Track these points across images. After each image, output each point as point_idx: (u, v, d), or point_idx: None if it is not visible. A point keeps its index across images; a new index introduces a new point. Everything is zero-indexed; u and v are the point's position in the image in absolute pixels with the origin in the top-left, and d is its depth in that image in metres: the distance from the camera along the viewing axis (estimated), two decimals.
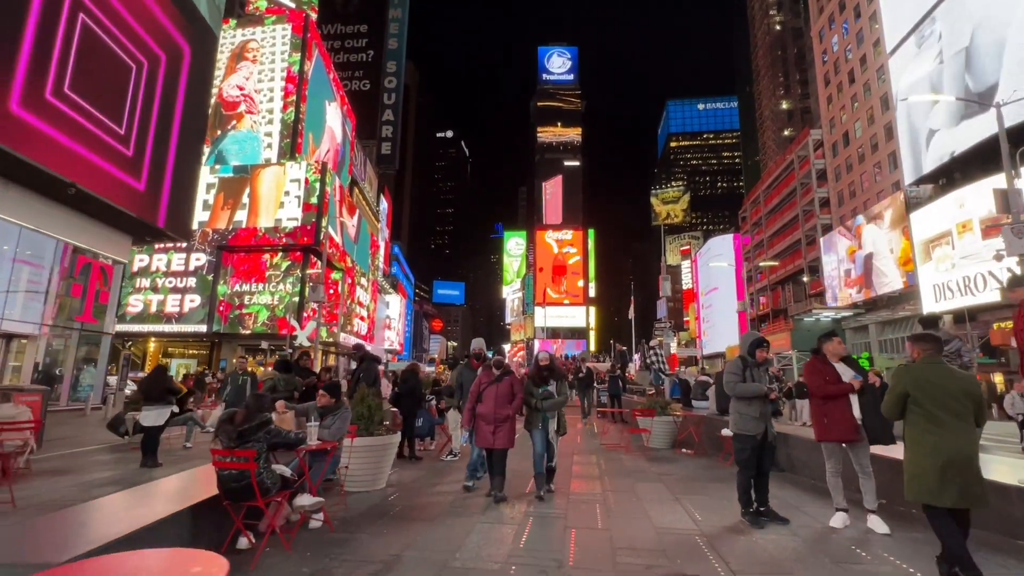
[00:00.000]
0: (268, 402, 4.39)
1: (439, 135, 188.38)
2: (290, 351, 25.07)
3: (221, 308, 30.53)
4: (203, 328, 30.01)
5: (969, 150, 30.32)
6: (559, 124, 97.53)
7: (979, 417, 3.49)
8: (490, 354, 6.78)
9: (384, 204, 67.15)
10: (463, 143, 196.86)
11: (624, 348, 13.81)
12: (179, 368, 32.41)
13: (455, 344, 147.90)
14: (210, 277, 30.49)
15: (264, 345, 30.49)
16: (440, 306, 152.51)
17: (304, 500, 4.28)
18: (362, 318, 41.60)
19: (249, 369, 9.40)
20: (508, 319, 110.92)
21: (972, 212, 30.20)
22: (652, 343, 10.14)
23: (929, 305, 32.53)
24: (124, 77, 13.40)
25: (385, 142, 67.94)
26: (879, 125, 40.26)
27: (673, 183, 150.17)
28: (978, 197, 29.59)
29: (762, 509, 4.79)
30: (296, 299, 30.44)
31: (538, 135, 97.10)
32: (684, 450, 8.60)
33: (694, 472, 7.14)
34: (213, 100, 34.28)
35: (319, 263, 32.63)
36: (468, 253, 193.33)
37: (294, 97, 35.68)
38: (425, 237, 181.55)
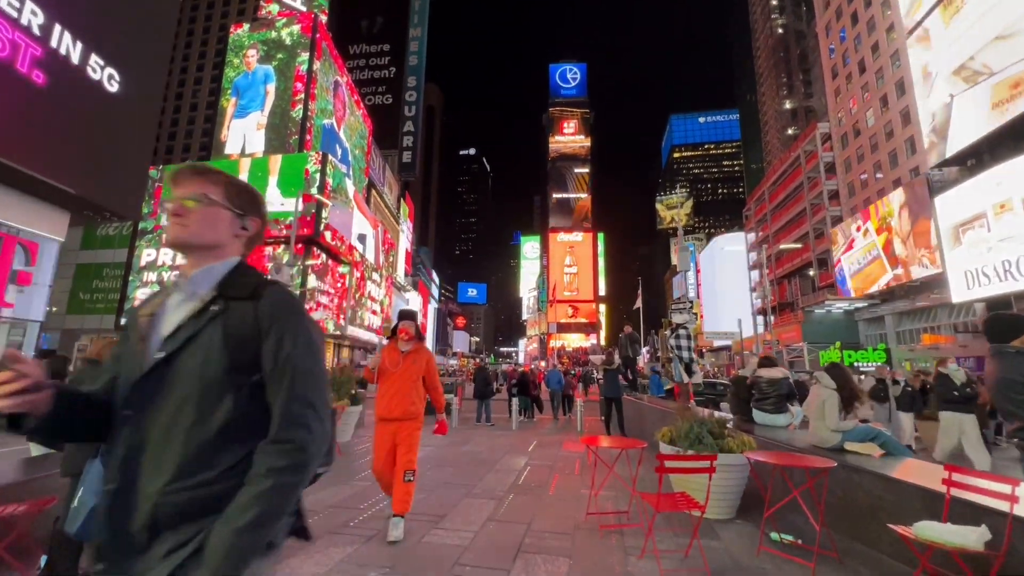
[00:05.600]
0: None
1: (462, 152, 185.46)
2: None
3: None
4: None
5: (1002, 127, 24.71)
6: (569, 135, 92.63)
7: None
8: None
9: (405, 208, 63.48)
10: (484, 159, 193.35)
11: (630, 331, 9.06)
12: None
13: (478, 339, 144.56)
14: None
15: None
16: (465, 305, 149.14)
17: None
18: (374, 312, 37.70)
19: None
20: (525, 316, 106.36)
21: (1011, 191, 24.53)
22: (676, 319, 5.62)
23: (960, 293, 26.94)
24: None
25: (406, 151, 64.34)
26: (894, 111, 34.55)
27: (677, 190, 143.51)
28: (1017, 175, 24.02)
29: None
30: (298, 292, 26.54)
31: (550, 146, 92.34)
32: (781, 540, 3.35)
33: None
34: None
35: (322, 255, 28.81)
36: (490, 257, 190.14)
37: (303, 95, 32.05)
38: (451, 244, 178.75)
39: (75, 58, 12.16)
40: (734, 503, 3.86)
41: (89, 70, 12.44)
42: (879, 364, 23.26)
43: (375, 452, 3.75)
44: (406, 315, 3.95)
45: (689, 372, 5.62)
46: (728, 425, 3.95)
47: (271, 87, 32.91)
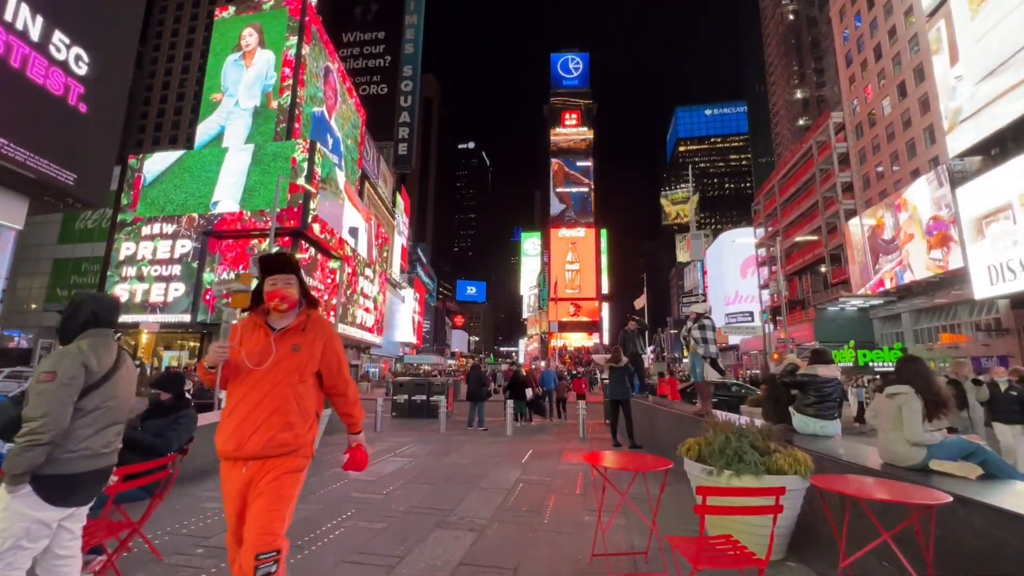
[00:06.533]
0: None
1: (460, 146, 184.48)
2: None
3: (208, 297, 26.13)
4: (187, 318, 25.64)
5: None
6: (571, 127, 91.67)
7: None
8: None
9: (400, 202, 62.67)
10: (483, 153, 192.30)
11: (636, 322, 8.11)
12: (171, 360, 28.32)
13: (477, 339, 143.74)
14: (195, 264, 26.12)
15: None
16: (464, 304, 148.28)
17: None
18: (367, 309, 36.91)
19: None
20: (525, 314, 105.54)
21: None
22: (696, 309, 4.78)
23: (982, 289, 26.18)
24: None
25: (402, 143, 63.47)
26: (912, 99, 33.69)
27: (682, 185, 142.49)
28: None
29: None
30: None
31: (551, 139, 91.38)
32: None
33: None
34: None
35: (310, 249, 28.02)
36: (489, 254, 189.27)
37: (291, 81, 31.21)
38: (449, 240, 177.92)
39: (35, 34, 11.42)
40: (786, 539, 3.07)
41: (52, 48, 11.72)
42: (954, 361, 22.11)
43: (226, 515, 1.99)
44: (275, 264, 2.13)
45: (718, 369, 4.80)
46: (786, 447, 3.13)
47: (258, 72, 32.07)
